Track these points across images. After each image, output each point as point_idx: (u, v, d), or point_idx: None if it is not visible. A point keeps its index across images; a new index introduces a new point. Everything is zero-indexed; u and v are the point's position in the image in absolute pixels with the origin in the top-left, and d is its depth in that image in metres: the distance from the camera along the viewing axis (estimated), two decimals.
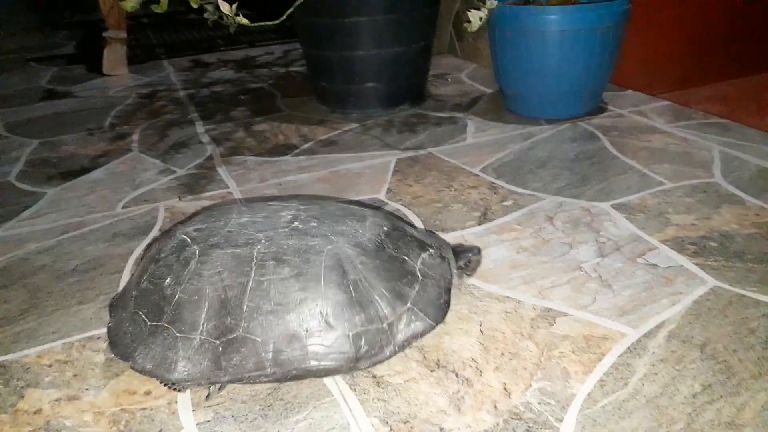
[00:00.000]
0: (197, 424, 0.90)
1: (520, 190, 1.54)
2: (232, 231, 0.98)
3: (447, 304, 1.02)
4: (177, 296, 0.92)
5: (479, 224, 1.39)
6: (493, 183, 1.58)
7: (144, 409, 0.93)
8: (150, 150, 1.97)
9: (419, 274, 1.02)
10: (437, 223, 1.40)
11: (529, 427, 0.86)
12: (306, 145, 1.92)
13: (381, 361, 0.95)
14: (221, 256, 0.93)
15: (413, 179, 1.64)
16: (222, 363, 0.89)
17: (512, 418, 0.88)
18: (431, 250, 1.07)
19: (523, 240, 1.31)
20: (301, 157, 1.83)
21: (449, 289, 1.05)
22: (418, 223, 1.40)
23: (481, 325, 1.06)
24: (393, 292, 0.97)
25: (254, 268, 0.92)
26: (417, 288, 1.00)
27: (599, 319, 1.06)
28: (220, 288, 0.91)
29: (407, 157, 1.78)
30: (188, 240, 0.98)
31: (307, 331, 0.91)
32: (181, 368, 0.89)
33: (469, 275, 1.17)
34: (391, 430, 0.87)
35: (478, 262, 1.17)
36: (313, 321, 0.92)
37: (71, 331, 1.11)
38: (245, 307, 0.90)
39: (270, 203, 1.08)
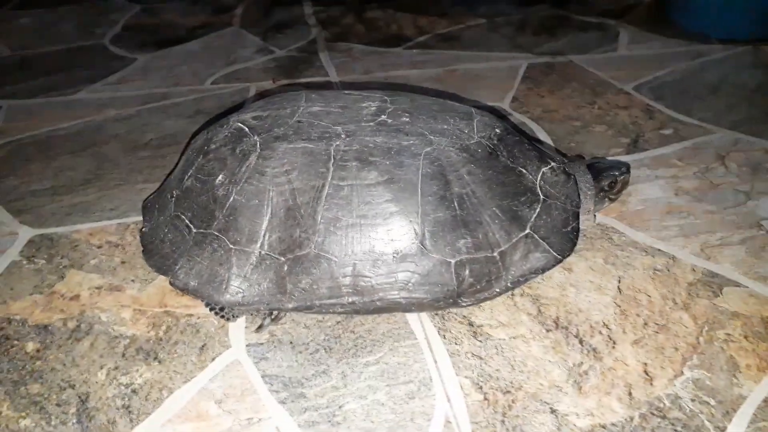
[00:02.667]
0: (247, 346, 0.73)
1: (683, 117, 1.21)
2: (302, 121, 0.76)
3: (576, 234, 0.78)
4: (231, 198, 0.72)
5: (628, 153, 1.10)
6: (649, 105, 1.26)
7: (190, 315, 0.77)
8: (252, 26, 1.77)
9: (541, 193, 0.77)
10: (573, 145, 1.12)
11: (676, 430, 0.63)
12: (421, 38, 1.65)
13: (488, 299, 0.74)
14: (289, 151, 0.72)
15: (547, 89, 1.34)
16: (287, 286, 0.70)
17: (652, 413, 0.64)
18: (553, 164, 0.82)
19: (684, 180, 1.02)
20: (414, 51, 1.57)
21: (577, 215, 0.80)
22: (548, 142, 1.13)
23: (620, 282, 0.81)
24: (508, 213, 0.74)
25: (332, 170, 0.71)
26: (538, 210, 0.76)
27: None
28: (288, 192, 0.70)
29: (542, 63, 1.48)
30: (246, 129, 0.77)
31: (397, 253, 0.70)
32: (235, 288, 0.70)
33: (612, 199, 0.90)
34: (485, 399, 0.66)
35: (626, 184, 0.89)
36: (406, 241, 0.70)
37: (130, 211, 0.97)
38: (319, 217, 0.69)
39: (346, 92, 0.85)
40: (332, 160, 0.70)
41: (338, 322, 0.76)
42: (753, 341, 0.72)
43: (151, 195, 0.89)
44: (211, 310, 0.75)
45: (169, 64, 1.51)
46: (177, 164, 0.87)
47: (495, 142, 0.77)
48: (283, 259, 0.70)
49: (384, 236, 0.70)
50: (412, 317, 0.76)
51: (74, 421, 0.65)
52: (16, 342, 0.74)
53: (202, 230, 0.73)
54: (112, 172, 1.08)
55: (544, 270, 0.74)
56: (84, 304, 0.79)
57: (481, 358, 0.71)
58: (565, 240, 0.77)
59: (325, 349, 0.72)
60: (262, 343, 0.73)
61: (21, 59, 1.57)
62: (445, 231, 0.71)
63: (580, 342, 0.73)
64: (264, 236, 0.70)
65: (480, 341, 0.73)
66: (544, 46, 1.58)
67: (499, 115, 1.22)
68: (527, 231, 0.74)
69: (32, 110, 1.29)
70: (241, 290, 0.70)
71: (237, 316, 0.75)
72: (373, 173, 0.70)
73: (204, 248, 0.72)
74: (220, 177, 0.73)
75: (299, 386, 0.68)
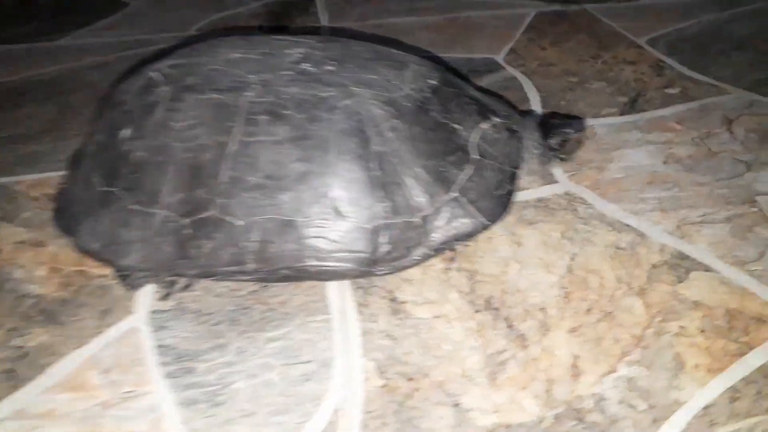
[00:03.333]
0: (151, 312, 0.69)
1: (696, 75, 1.08)
2: (216, 69, 0.69)
3: (509, 197, 0.71)
4: (136, 154, 0.66)
5: (621, 114, 0.98)
6: (660, 61, 1.13)
7: (104, 276, 0.73)
8: None
9: (474, 152, 0.70)
10: (562, 103, 1.01)
11: None
12: None
13: (407, 267, 0.67)
14: (197, 103, 0.65)
15: (550, 41, 1.22)
16: (190, 251, 0.64)
17: (568, 415, 0.57)
18: (496, 120, 0.74)
19: (678, 146, 0.90)
20: None
21: (515, 177, 0.73)
22: (535, 101, 1.02)
23: (572, 260, 0.72)
24: (433, 174, 0.67)
25: (239, 124, 0.64)
26: (469, 171, 0.69)
27: (761, 289, 0.67)
28: (193, 147, 0.64)
29: (552, 12, 1.35)
30: (159, 78, 0.70)
31: (307, 218, 0.64)
32: (136, 253, 0.65)
33: (562, 159, 0.82)
34: (386, 385, 0.60)
35: (579, 143, 0.81)
36: (317, 205, 0.64)
37: None
38: (223, 176, 0.63)
39: (277, 37, 0.77)
40: (241, 114, 0.64)
41: (253, 292, 0.70)
42: (709, 337, 0.63)
43: (77, 150, 0.84)
44: (118, 275, 0.70)
45: (160, 10, 1.46)
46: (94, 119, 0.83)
47: (427, 94, 0.69)
48: (186, 221, 0.64)
49: (293, 199, 0.64)
50: (332, 289, 0.70)
51: None
52: None
53: (107, 188, 0.68)
54: (72, 121, 1.04)
55: (469, 236, 0.68)
56: (3, 259, 0.77)
57: (394, 339, 0.64)
58: (497, 204, 0.69)
59: (230, 320, 0.67)
60: (166, 311, 0.69)
61: (14, 3, 1.56)
62: (362, 194, 0.64)
63: (509, 326, 0.65)
64: (167, 196, 0.64)
65: (399, 320, 0.66)
66: None
67: (495, 66, 1.11)
68: (453, 194, 0.67)
69: (16, 56, 1.27)
70: (142, 254, 0.65)
71: (141, 285, 0.70)
72: (283, 128, 0.64)
73: (108, 208, 0.67)
74: (125, 131, 0.67)
75: (191, 360, 0.63)
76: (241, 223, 0.63)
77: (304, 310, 0.68)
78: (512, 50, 1.19)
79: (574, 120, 0.82)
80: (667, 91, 1.03)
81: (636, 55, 1.15)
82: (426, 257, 0.67)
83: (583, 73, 1.10)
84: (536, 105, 1.01)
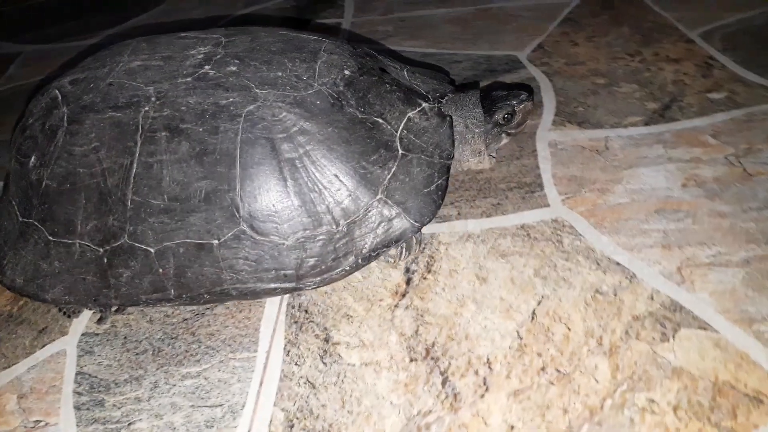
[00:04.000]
0: (82, 335, 0.66)
1: (751, 76, 0.91)
2: (113, 83, 0.64)
3: (441, 193, 0.65)
4: (44, 183, 0.62)
5: (647, 124, 0.85)
6: (710, 58, 0.97)
7: None
8: None
9: (399, 147, 0.63)
10: (579, 110, 0.89)
11: None
12: None
13: (337, 279, 0.62)
14: (96, 124, 0.61)
15: (586, 35, 1.08)
16: (110, 280, 0.61)
17: None
18: (424, 105, 0.67)
19: (706, 165, 0.76)
20: None
21: (447, 168, 0.66)
22: (549, 106, 0.91)
23: (539, 304, 0.62)
24: (355, 177, 0.61)
25: (140, 143, 0.59)
26: (393, 169, 0.62)
27: (765, 358, 0.55)
28: (98, 172, 0.60)
29: (596, 0, 1.20)
30: (59, 98, 0.65)
31: (220, 239, 0.59)
32: (59, 286, 0.62)
33: (511, 135, 0.74)
34: None
35: (528, 113, 0.73)
36: (228, 224, 0.59)
37: None
38: (129, 202, 0.59)
39: (183, 35, 0.71)
40: (140, 131, 0.59)
41: (185, 320, 0.66)
42: (682, 418, 0.51)
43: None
44: (57, 308, 0.69)
45: (190, 7, 1.45)
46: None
47: (340, 88, 0.63)
48: (101, 250, 0.61)
49: (202, 220, 0.59)
50: (266, 322, 0.65)
51: None
52: None
53: (25, 219, 0.65)
54: None
55: (399, 240, 0.62)
56: None
57: (313, 387, 0.58)
58: (426, 202, 0.63)
59: (154, 350, 0.64)
60: (97, 334, 0.66)
61: (58, 2, 1.60)
62: (276, 208, 0.59)
63: (444, 381, 0.57)
64: (81, 225, 0.61)
65: (325, 364, 0.60)
66: None
67: (515, 65, 1.00)
68: (378, 196, 0.61)
69: (45, 56, 1.31)
70: (65, 286, 0.62)
71: (77, 312, 0.68)
72: (183, 145, 0.59)
73: (27, 240, 0.64)
74: (33, 159, 0.64)
75: (104, 391, 0.60)
76: (153, 250, 0.59)
77: (229, 345, 0.63)
78: (540, 46, 1.07)
79: (520, 90, 0.73)
80: (710, 95, 0.88)
81: (683, 52, 0.99)
82: (356, 266, 0.62)
83: (613, 73, 0.96)
84: (549, 111, 0.89)
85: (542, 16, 1.16)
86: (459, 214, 0.74)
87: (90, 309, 0.66)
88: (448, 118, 0.69)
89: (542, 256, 0.67)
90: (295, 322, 0.64)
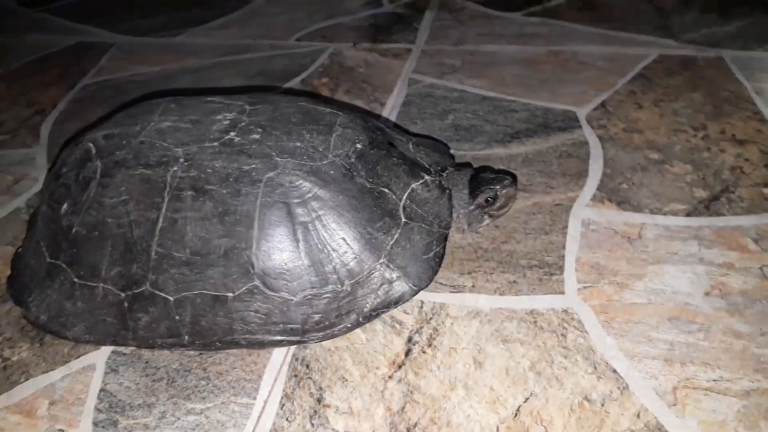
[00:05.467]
0: (112, 352, 0.74)
1: None
2: (145, 142, 0.70)
3: (438, 260, 0.71)
4: (74, 230, 0.69)
5: (688, 214, 0.82)
6: None
7: None
8: None
9: (402, 215, 0.69)
10: (623, 186, 0.88)
11: None
12: (552, 3, 1.39)
13: (339, 334, 0.68)
14: (127, 179, 0.67)
15: (654, 97, 1.05)
16: (128, 322, 0.68)
17: None
18: (426, 178, 0.73)
19: (738, 273, 0.74)
20: (533, 19, 1.34)
21: (445, 237, 0.74)
22: (594, 177, 0.90)
23: (526, 401, 0.64)
24: (361, 242, 0.66)
25: (167, 200, 0.65)
26: (396, 235, 0.68)
27: None
28: (126, 224, 0.67)
29: (677, 56, 1.15)
30: (93, 151, 0.71)
31: (233, 292, 0.65)
32: (80, 325, 0.69)
33: (494, 217, 0.79)
34: None
35: (511, 198, 0.77)
36: (243, 279, 0.65)
37: None
38: (153, 253, 0.65)
39: (209, 99, 0.77)
40: (168, 189, 0.65)
41: (200, 354, 0.73)
42: None
43: (36, 208, 0.88)
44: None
45: (275, 11, 1.50)
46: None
47: (352, 160, 0.68)
48: (123, 295, 0.67)
49: (220, 275, 0.65)
50: (272, 369, 0.70)
51: None
52: None
53: (53, 260, 0.71)
54: None
55: (398, 302, 0.68)
56: None
57: None
58: (425, 268, 0.70)
59: (168, 380, 0.70)
60: (125, 354, 0.74)
61: None
62: (288, 266, 0.65)
63: None
64: (105, 270, 0.68)
65: (312, 425, 0.64)
66: (699, 32, 1.22)
67: (571, 123, 0.99)
68: (381, 260, 0.67)
69: (134, 50, 1.40)
70: (86, 326, 0.69)
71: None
72: (207, 204, 0.65)
73: (54, 280, 0.71)
74: (65, 206, 0.71)
75: (119, 412, 0.68)
76: (172, 298, 0.65)
77: (233, 388, 0.69)
78: (602, 104, 1.04)
79: (504, 175, 0.77)
80: (765, 191, 0.84)
81: (751, 132, 0.94)
82: (357, 324, 0.67)
83: (670, 148, 0.93)
84: (592, 184, 0.88)
85: (614, 69, 1.13)
86: (473, 286, 0.76)
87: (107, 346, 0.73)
88: (447, 191, 0.75)
89: (543, 348, 0.68)
90: (295, 376, 0.69)
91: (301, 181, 0.66)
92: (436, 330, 0.72)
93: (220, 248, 0.65)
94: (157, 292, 0.66)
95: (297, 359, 0.71)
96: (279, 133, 0.70)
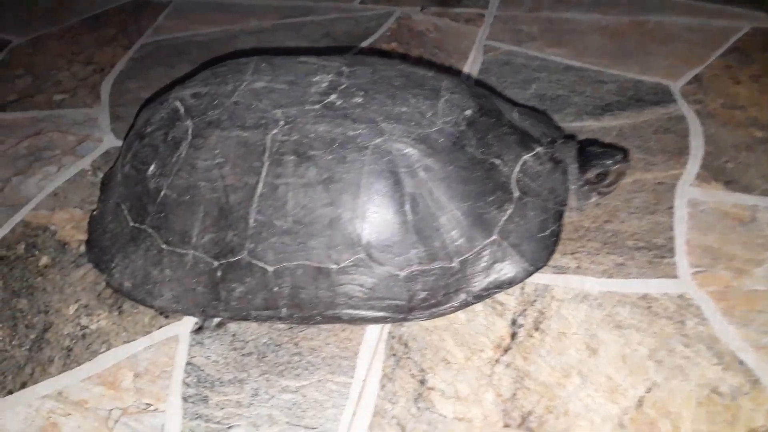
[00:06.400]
0: (191, 332, 0.70)
1: None
2: (239, 102, 0.65)
3: (555, 239, 0.66)
4: (163, 192, 0.64)
5: None
6: None
7: None
8: None
9: (515, 189, 0.64)
10: (729, 165, 0.82)
11: None
12: None
13: (445, 313, 0.63)
14: (222, 141, 0.62)
15: (752, 72, 0.98)
16: (221, 292, 0.64)
17: None
18: (538, 150, 0.67)
19: None
20: None
21: (560, 215, 0.68)
22: (697, 155, 0.84)
23: (648, 391, 0.59)
24: (471, 216, 0.62)
25: (267, 164, 0.61)
26: (509, 211, 0.63)
27: None
28: (221, 188, 0.62)
29: None
30: (181, 110, 0.67)
31: (338, 264, 0.61)
32: (168, 293, 0.65)
33: (603, 194, 0.73)
34: None
35: (621, 175, 0.72)
36: (349, 251, 0.61)
37: None
38: (252, 220, 0.61)
39: (303, 60, 0.71)
40: (268, 153, 0.61)
41: (291, 328, 0.69)
42: None
43: (109, 169, 0.84)
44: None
45: None
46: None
47: (462, 128, 0.63)
48: (216, 263, 0.63)
49: (324, 245, 0.61)
50: (367, 347, 0.66)
51: (27, 347, 0.70)
52: (36, 253, 0.81)
53: (137, 224, 0.67)
54: None
55: (511, 283, 0.64)
56: None
57: (402, 430, 0.59)
58: (541, 247, 0.65)
59: (258, 354, 0.67)
60: (210, 326, 0.70)
61: None
62: (395, 239, 0.61)
63: None
64: (197, 237, 0.63)
65: (417, 408, 0.60)
66: None
67: (666, 97, 0.93)
68: (494, 237, 0.62)
69: (191, 9, 1.35)
70: (174, 295, 0.65)
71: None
72: (311, 171, 0.60)
73: (139, 245, 0.67)
74: (152, 167, 0.66)
75: (209, 387, 0.64)
76: (271, 268, 0.61)
77: (329, 365, 0.65)
78: (696, 78, 0.98)
79: (615, 150, 0.73)
80: None
81: None
82: (465, 304, 0.63)
83: None
84: (695, 162, 0.83)
85: (704, 41, 1.06)
86: (578, 267, 0.71)
87: (196, 317, 0.69)
88: (561, 164, 0.69)
89: (660, 335, 0.64)
90: (393, 355, 0.65)
91: (409, 150, 0.61)
92: (542, 313, 0.67)
93: (324, 217, 0.60)
94: (255, 262, 0.61)
95: (393, 337, 0.67)
96: (382, 97, 0.65)
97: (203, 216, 0.62)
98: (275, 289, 0.62)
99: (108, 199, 0.74)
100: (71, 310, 0.73)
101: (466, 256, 0.62)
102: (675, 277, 0.69)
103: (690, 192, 0.79)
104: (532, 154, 0.68)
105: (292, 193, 0.60)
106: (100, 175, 0.92)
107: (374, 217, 0.60)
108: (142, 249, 0.66)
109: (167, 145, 0.65)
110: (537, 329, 0.66)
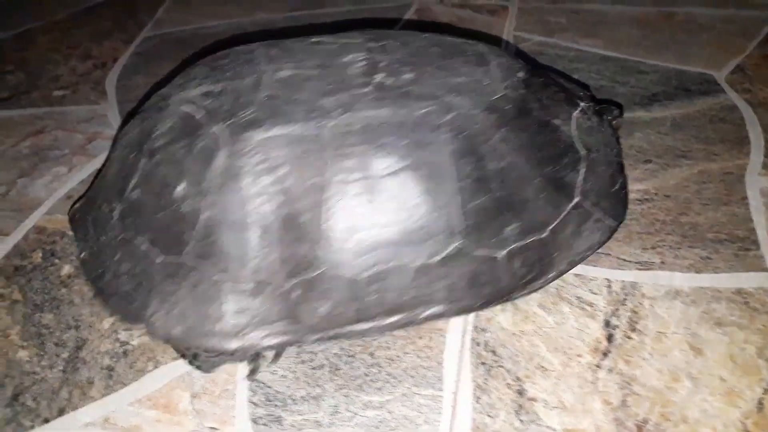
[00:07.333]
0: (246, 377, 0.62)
1: None
2: (274, 96, 0.57)
3: (625, 192, 0.66)
4: (204, 214, 0.54)
5: None
6: None
7: None
8: None
9: (579, 147, 0.62)
10: None
11: None
12: None
13: (541, 287, 0.60)
14: (268, 142, 0.54)
15: None
16: (301, 315, 0.55)
17: None
18: (582, 105, 0.66)
19: None
20: None
21: (623, 167, 0.67)
22: (758, 144, 0.81)
23: (766, 393, 0.55)
24: (552, 182, 0.59)
25: (331, 161, 0.53)
26: (583, 170, 0.62)
27: None
28: (279, 196, 0.54)
29: None
30: (199, 115, 0.57)
31: (434, 257, 0.55)
32: (236, 329, 0.54)
33: None
34: None
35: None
36: (446, 241, 0.55)
37: None
38: (328, 226, 0.53)
39: (316, 40, 0.65)
40: (330, 149, 0.53)
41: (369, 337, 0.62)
42: None
43: (77, 202, 0.71)
44: (185, 357, 0.60)
45: None
46: (108, 157, 0.69)
47: (522, 91, 0.60)
48: (289, 284, 0.54)
49: (417, 239, 0.54)
50: (451, 355, 0.60)
51: (61, 368, 0.62)
52: (57, 261, 0.73)
53: (172, 258, 0.56)
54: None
55: (601, 244, 0.62)
56: None
57: None
58: (617, 201, 0.64)
59: (331, 367, 0.60)
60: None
61: None
62: (489, 220, 0.56)
63: None
64: (259, 258, 0.54)
65: (521, 421, 0.55)
66: None
67: (712, 87, 0.90)
68: (576, 199, 0.60)
69: (192, 2, 1.27)
70: (244, 331, 0.55)
71: (216, 366, 0.60)
72: (386, 160, 0.53)
73: (180, 282, 0.55)
74: (180, 187, 0.55)
75: (281, 407, 0.57)
76: (359, 276, 0.54)
77: (412, 377, 0.59)
78: (739, 68, 0.96)
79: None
80: None
81: None
82: (560, 273, 0.60)
83: None
84: (758, 151, 0.80)
85: (739, 31, 1.04)
86: (663, 262, 0.67)
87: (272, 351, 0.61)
88: (605, 117, 0.69)
89: (765, 332, 0.60)
90: (483, 363, 0.59)
91: (483, 122, 0.56)
92: (635, 312, 0.62)
93: (416, 209, 0.54)
94: (341, 272, 0.54)
95: (478, 344, 0.61)
96: (432, 69, 0.59)
97: (262, 233, 0.54)
98: (368, 298, 0.55)
99: (98, 235, 0.61)
100: (105, 324, 0.65)
101: (555, 223, 0.58)
102: (765, 270, 0.65)
103: (760, 182, 0.76)
104: (579, 110, 0.65)
105: (370, 188, 0.53)
106: None
107: (467, 201, 0.55)
108: (186, 286, 0.55)
109: (195, 158, 0.55)
110: (633, 330, 0.61)
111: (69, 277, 0.71)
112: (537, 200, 0.58)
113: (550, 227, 0.58)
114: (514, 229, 0.56)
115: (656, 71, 0.96)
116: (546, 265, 0.58)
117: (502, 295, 0.57)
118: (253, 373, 0.59)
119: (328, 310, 0.55)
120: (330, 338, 0.56)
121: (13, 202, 0.81)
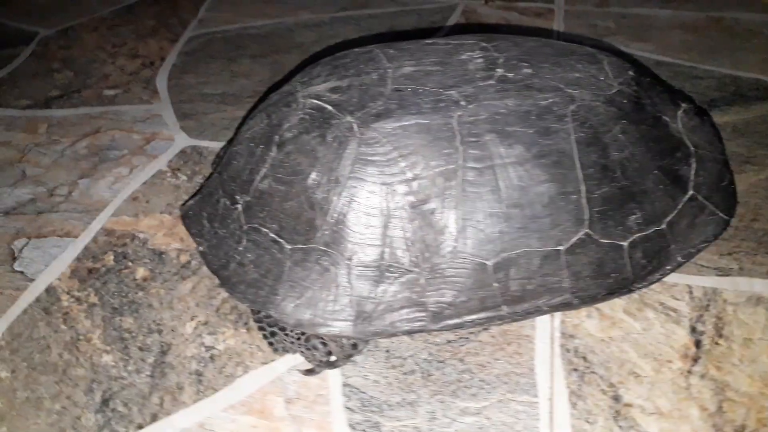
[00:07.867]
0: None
1: None
2: (401, 89, 0.58)
3: (734, 188, 0.67)
4: (335, 201, 0.56)
5: None
6: None
7: None
8: None
9: (689, 143, 0.65)
10: None
11: None
12: None
13: (659, 279, 0.61)
14: (400, 131, 0.55)
15: None
16: (427, 303, 0.55)
17: None
18: (684, 105, 0.68)
19: None
20: None
21: (728, 164, 0.69)
22: None
23: None
24: (669, 174, 0.61)
25: (461, 149, 0.55)
26: (694, 165, 0.64)
27: None
28: (409, 183, 0.55)
29: None
30: (329, 107, 0.58)
31: (561, 245, 0.56)
32: (366, 315, 0.56)
33: None
34: None
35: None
36: (573, 228, 0.56)
37: None
38: (459, 213, 0.54)
39: (430, 42, 0.66)
40: (458, 137, 0.55)
41: (449, 342, 0.63)
42: None
43: (189, 200, 0.71)
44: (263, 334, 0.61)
45: None
46: (223, 155, 0.71)
47: (635, 87, 0.62)
48: (417, 270, 0.55)
49: (546, 227, 0.56)
50: (542, 362, 0.60)
51: (148, 372, 0.62)
52: (130, 264, 0.72)
53: (301, 245, 0.57)
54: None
55: (715, 236, 0.63)
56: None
57: None
58: (728, 196, 0.66)
59: (422, 372, 0.60)
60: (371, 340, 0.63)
61: None
62: (614, 209, 0.57)
63: None
64: (387, 244, 0.55)
65: (620, 427, 0.55)
66: None
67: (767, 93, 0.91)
68: (690, 192, 0.62)
69: (234, 1, 1.26)
70: (373, 315, 0.56)
71: (338, 363, 0.60)
72: (516, 148, 0.55)
73: (310, 269, 0.57)
74: (313, 175, 0.57)
75: (378, 412, 0.57)
76: (490, 262, 0.55)
77: (506, 383, 0.59)
78: None
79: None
80: None
81: None
82: (678, 265, 0.61)
83: None
84: None
85: None
86: (741, 268, 0.67)
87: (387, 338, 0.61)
88: (707, 117, 0.71)
89: None
90: (575, 370, 0.59)
91: (604, 113, 0.58)
92: (720, 318, 0.63)
93: (543, 196, 0.55)
94: (471, 258, 0.55)
95: (568, 350, 0.61)
96: (549, 65, 0.61)
97: (394, 221, 0.55)
98: (495, 284, 0.55)
99: (217, 229, 0.63)
100: (188, 328, 0.65)
101: (672, 215, 0.60)
102: None
103: None
104: (682, 110, 0.67)
105: (500, 176, 0.55)
106: (181, 177, 0.83)
107: (594, 188, 0.56)
108: (316, 272, 0.56)
109: (328, 147, 0.57)
110: (720, 336, 0.61)
111: (145, 280, 0.70)
112: (656, 191, 0.59)
113: (668, 219, 0.60)
114: (637, 218, 0.58)
115: (711, 77, 0.96)
116: (664, 257, 0.60)
117: (625, 285, 0.58)
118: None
119: (453, 297, 0.55)
120: (454, 326, 0.56)
121: (78, 204, 0.80)
